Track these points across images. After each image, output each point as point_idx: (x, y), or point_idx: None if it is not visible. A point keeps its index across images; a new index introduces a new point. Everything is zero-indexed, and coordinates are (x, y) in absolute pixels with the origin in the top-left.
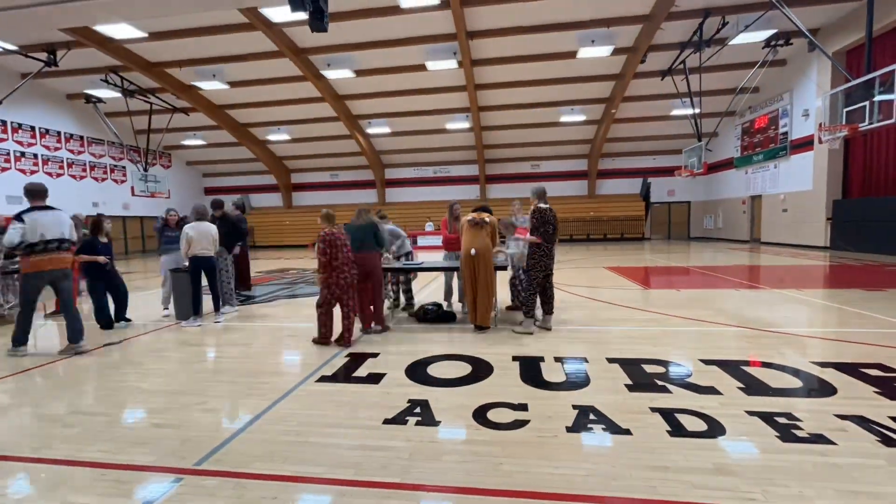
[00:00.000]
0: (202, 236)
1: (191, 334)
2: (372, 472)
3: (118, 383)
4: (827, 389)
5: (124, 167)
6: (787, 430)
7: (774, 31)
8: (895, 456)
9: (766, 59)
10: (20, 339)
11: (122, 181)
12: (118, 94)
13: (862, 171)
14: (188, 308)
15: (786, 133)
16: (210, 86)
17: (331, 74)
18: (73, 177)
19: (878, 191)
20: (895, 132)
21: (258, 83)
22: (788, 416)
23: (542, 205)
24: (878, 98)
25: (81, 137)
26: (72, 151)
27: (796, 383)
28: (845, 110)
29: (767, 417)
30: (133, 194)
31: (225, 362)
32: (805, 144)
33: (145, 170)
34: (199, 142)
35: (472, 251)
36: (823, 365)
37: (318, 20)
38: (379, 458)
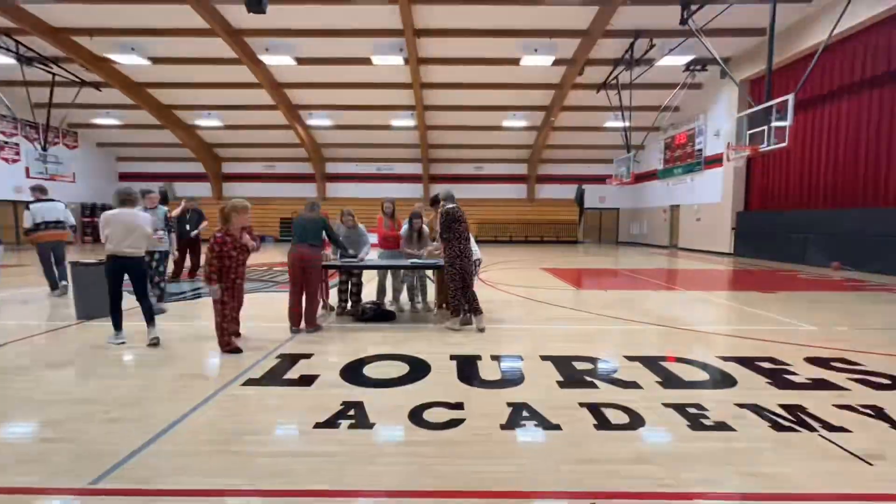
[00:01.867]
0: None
1: (97, 335)
2: (300, 480)
3: (3, 392)
4: (729, 381)
5: (17, 144)
6: (696, 420)
7: (693, 56)
8: (783, 439)
9: (686, 81)
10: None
11: (15, 160)
12: (13, 61)
13: (760, 187)
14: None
15: (700, 150)
16: (128, 60)
17: (269, 60)
18: None
19: (773, 204)
20: (787, 154)
21: (186, 62)
22: (697, 406)
23: (451, 205)
24: (774, 124)
25: None
26: None
27: (704, 376)
28: (748, 133)
29: (680, 408)
30: (28, 176)
31: (137, 366)
32: (716, 161)
33: (44, 149)
34: (113, 121)
35: None
36: (726, 359)
37: (256, 1)
38: (308, 465)
